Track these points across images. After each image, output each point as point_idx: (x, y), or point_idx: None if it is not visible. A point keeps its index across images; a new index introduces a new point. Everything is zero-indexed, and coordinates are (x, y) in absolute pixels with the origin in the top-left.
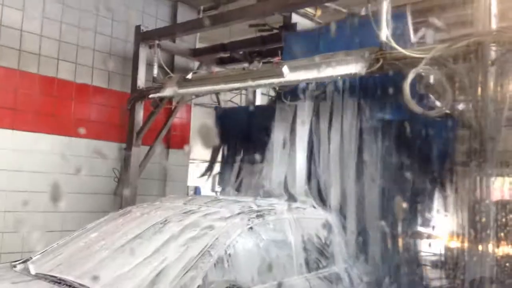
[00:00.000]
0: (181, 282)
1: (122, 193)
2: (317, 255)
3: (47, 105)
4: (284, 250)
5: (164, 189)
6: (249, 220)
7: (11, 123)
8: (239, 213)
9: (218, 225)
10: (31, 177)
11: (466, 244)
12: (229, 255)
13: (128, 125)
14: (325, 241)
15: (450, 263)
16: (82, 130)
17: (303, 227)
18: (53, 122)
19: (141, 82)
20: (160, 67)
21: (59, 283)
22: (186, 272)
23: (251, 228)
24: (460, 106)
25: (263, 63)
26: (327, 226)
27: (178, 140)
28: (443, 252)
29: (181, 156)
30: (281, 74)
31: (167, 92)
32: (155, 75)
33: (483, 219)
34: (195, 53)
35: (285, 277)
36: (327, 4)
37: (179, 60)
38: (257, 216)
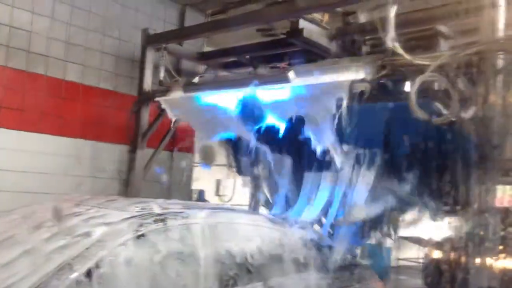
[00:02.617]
0: None
1: (127, 196)
2: (238, 269)
3: (53, 106)
4: (190, 265)
5: (169, 192)
6: (140, 225)
7: (17, 124)
8: (131, 217)
9: (97, 231)
10: (37, 179)
11: (469, 253)
12: (103, 271)
13: (134, 127)
14: (255, 251)
15: (453, 272)
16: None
17: (223, 235)
18: (59, 124)
19: (148, 85)
20: (166, 70)
21: None
22: None
23: (142, 235)
24: (466, 114)
25: (270, 68)
26: (265, 234)
27: (183, 143)
28: (447, 260)
29: (186, 160)
30: (287, 79)
31: (173, 95)
32: (161, 78)
33: (486, 228)
34: (202, 57)
35: None
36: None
37: (186, 63)
38: (155, 221)
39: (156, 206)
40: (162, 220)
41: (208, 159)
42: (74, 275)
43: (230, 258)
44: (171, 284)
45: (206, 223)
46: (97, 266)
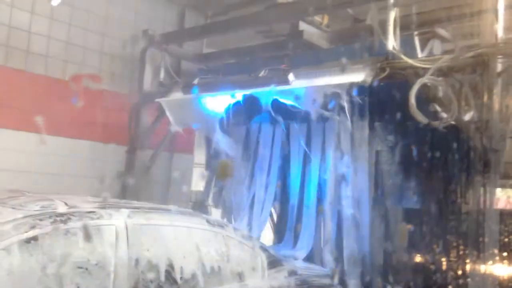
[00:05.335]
0: None
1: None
2: (161, 280)
3: (53, 106)
4: (96, 276)
5: (168, 193)
6: (33, 226)
7: (16, 124)
8: (25, 217)
9: None
10: (35, 178)
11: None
12: None
13: (133, 128)
14: (186, 259)
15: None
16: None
17: (145, 240)
18: (58, 124)
19: (148, 85)
20: (166, 71)
21: None
22: None
23: (33, 239)
24: (466, 117)
25: (270, 69)
26: (202, 238)
27: (182, 144)
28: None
29: (186, 161)
30: (287, 81)
31: (173, 96)
32: (161, 79)
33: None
34: (202, 58)
35: None
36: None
37: (186, 64)
38: (53, 222)
39: (62, 204)
40: (64, 221)
41: (224, 175)
42: None
43: (151, 267)
44: None
45: (124, 225)
46: None
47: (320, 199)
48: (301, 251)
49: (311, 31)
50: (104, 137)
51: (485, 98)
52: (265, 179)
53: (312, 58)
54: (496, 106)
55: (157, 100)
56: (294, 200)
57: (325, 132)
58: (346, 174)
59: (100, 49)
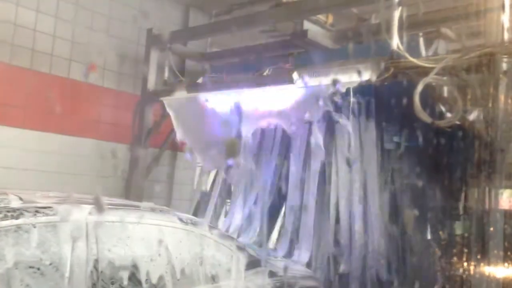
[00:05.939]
0: None
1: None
2: (124, 283)
3: (57, 105)
4: (50, 278)
5: (171, 192)
6: None
7: (21, 122)
8: None
9: None
10: (39, 176)
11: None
12: None
13: (137, 127)
14: (153, 259)
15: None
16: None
17: (107, 238)
18: (62, 122)
19: (152, 84)
20: (171, 70)
21: None
22: None
23: None
24: (471, 117)
25: (274, 69)
26: (172, 237)
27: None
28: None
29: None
30: (291, 80)
31: (177, 95)
32: (166, 78)
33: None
34: (206, 57)
35: None
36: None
37: (190, 63)
38: (4, 217)
39: (16, 198)
40: (15, 217)
41: (232, 153)
42: None
43: (113, 268)
44: None
45: (83, 222)
46: None
47: (319, 200)
48: (302, 253)
49: (315, 30)
50: (108, 135)
51: (490, 97)
52: (267, 180)
53: (318, 57)
54: (501, 105)
55: (161, 99)
56: (294, 201)
57: (327, 132)
58: (352, 173)
59: (104, 48)
